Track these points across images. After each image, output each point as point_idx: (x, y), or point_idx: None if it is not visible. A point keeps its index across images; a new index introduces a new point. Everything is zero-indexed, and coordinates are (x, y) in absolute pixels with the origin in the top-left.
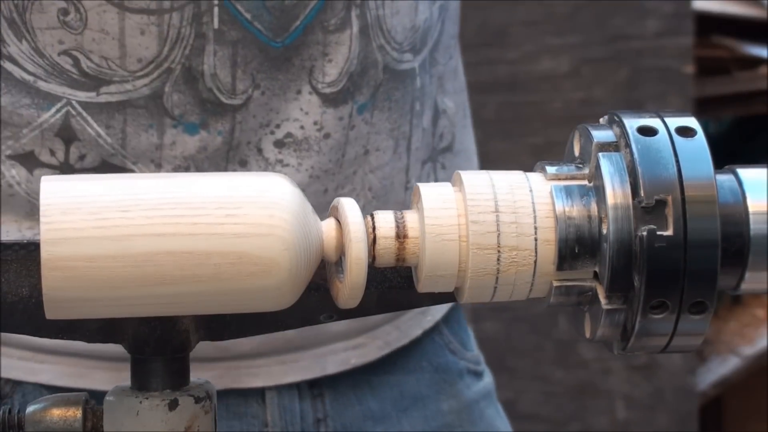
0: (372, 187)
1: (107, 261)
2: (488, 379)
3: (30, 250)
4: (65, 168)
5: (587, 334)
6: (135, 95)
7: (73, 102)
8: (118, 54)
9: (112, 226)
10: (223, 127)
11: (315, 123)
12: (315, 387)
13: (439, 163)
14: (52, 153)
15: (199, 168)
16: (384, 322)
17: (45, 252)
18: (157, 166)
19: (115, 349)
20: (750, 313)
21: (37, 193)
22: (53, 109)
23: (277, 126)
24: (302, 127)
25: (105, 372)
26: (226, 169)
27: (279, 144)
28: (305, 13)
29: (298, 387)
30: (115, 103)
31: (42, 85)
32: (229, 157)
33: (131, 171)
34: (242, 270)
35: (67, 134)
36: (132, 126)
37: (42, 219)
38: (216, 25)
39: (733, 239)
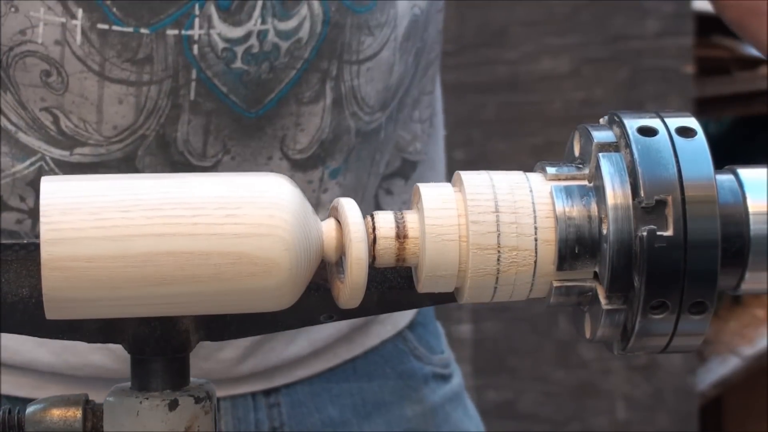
0: None
1: (107, 261)
2: (457, 380)
3: (30, 250)
4: (34, 213)
5: (587, 335)
6: (107, 158)
7: (47, 158)
8: (95, 119)
9: (112, 227)
10: None
11: None
12: (271, 395)
13: (382, 188)
14: (22, 199)
15: None
16: (338, 338)
17: (45, 252)
18: None
19: (75, 373)
20: (750, 313)
21: (6, 231)
22: (27, 162)
23: None
24: None
25: (58, 386)
26: None
27: None
28: (280, 87)
29: (252, 396)
30: (87, 164)
31: (21, 137)
32: None
33: None
34: (242, 270)
35: (38, 185)
36: None
37: (42, 219)
38: (192, 97)
39: (733, 239)
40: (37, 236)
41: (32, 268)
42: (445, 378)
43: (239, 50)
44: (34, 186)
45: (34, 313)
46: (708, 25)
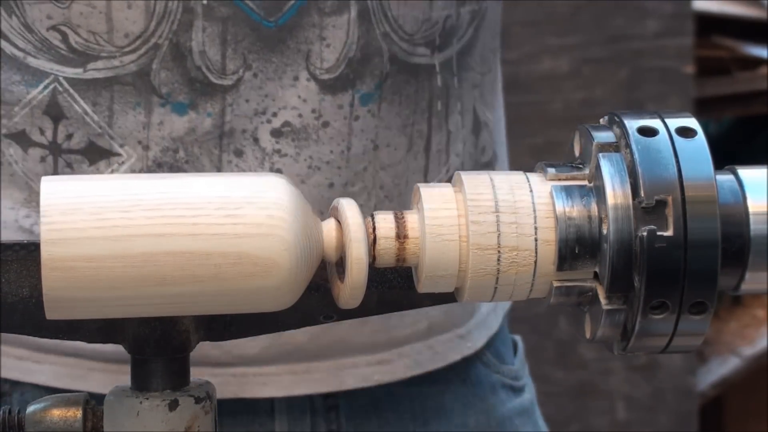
0: (384, 186)
1: (107, 261)
2: (528, 395)
3: (30, 250)
4: (54, 148)
5: (587, 335)
6: (122, 72)
7: (60, 78)
8: (105, 28)
9: (112, 227)
10: (212, 108)
11: (313, 111)
12: (330, 398)
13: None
14: (42, 132)
15: (189, 153)
16: (415, 338)
17: (45, 252)
18: (145, 148)
19: (114, 349)
20: (750, 313)
21: (33, 173)
22: (41, 86)
23: (274, 114)
24: (300, 116)
25: (103, 374)
26: (220, 158)
27: (276, 134)
28: None
29: (310, 398)
30: (102, 80)
31: (31, 61)
32: (223, 145)
33: (118, 155)
34: (242, 270)
35: (54, 112)
36: (119, 104)
37: (42, 219)
38: (205, 0)
39: (733, 239)
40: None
41: (32, 268)
42: (515, 390)
43: None
44: (50, 113)
45: (34, 313)
46: (708, 25)
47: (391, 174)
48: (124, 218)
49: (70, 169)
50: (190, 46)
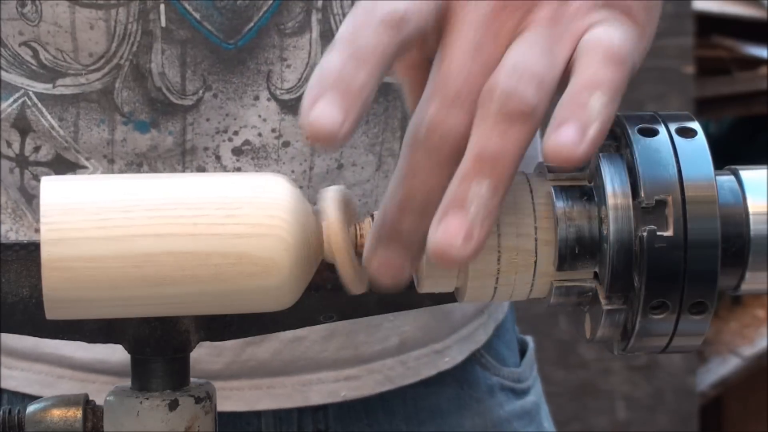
0: None
1: (107, 261)
2: (533, 397)
3: (30, 250)
4: (20, 160)
5: (587, 335)
6: (88, 89)
7: (30, 93)
8: (71, 47)
9: (112, 227)
10: (173, 127)
11: (273, 130)
12: None
13: None
14: (9, 144)
15: (153, 167)
16: (386, 354)
17: (45, 252)
18: (110, 161)
19: (83, 357)
20: (750, 313)
21: (5, 182)
22: (11, 99)
23: (235, 133)
24: (260, 134)
25: (71, 382)
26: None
27: (237, 152)
28: (259, 15)
29: None
30: (69, 96)
31: (3, 75)
32: (186, 161)
33: (84, 167)
34: (242, 270)
35: (22, 125)
36: (84, 120)
37: (42, 219)
38: (163, 23)
39: (733, 239)
40: (28, 189)
41: (32, 268)
42: (516, 393)
43: None
44: (18, 126)
45: (34, 313)
46: (708, 25)
47: (358, 192)
48: (124, 218)
49: (36, 181)
50: (150, 68)
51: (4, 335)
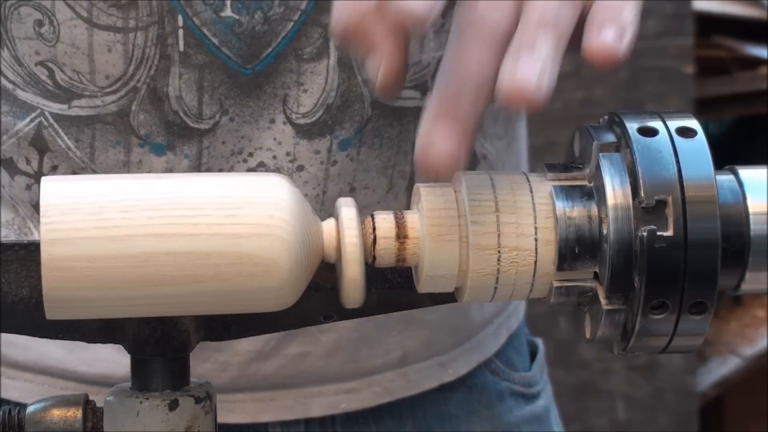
0: None
1: (107, 261)
2: (543, 401)
3: (30, 250)
4: (39, 177)
5: (587, 335)
6: (104, 111)
7: (46, 113)
8: (88, 69)
9: (112, 227)
10: (189, 150)
11: (287, 154)
12: None
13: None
14: (28, 162)
15: None
16: (387, 368)
17: (45, 252)
18: None
19: (86, 371)
20: (750, 313)
21: (19, 199)
22: (27, 119)
23: (250, 154)
24: (274, 157)
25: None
26: None
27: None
28: (277, 41)
29: None
30: (84, 117)
31: (20, 93)
32: None
33: None
34: (242, 270)
35: (39, 144)
36: (100, 141)
37: (42, 219)
38: (181, 47)
39: (733, 239)
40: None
41: (32, 268)
42: (526, 397)
43: None
44: (36, 145)
45: (34, 313)
46: (708, 25)
47: (367, 213)
48: (124, 218)
49: None
50: (167, 91)
51: (10, 349)
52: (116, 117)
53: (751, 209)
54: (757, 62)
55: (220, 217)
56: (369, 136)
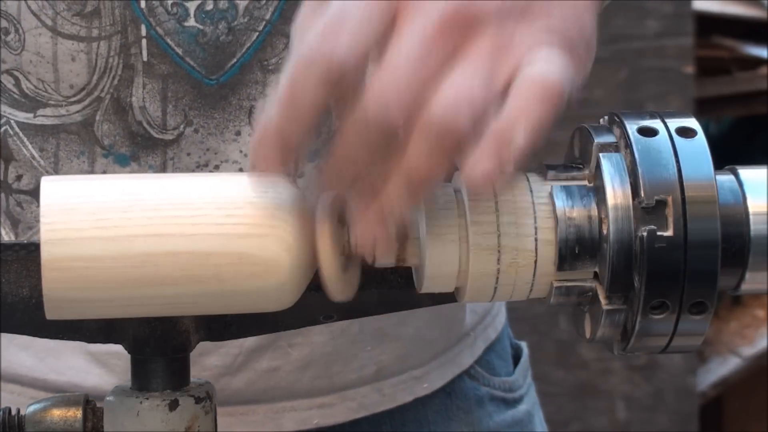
0: None
1: (107, 261)
2: (525, 406)
3: (30, 250)
4: (5, 186)
5: (587, 335)
6: (68, 120)
7: (12, 121)
8: (52, 78)
9: (112, 227)
10: (154, 161)
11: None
12: None
13: None
14: None
15: None
16: (361, 383)
17: (45, 252)
18: None
19: (58, 379)
20: (750, 313)
21: None
22: None
23: (216, 167)
24: (241, 170)
25: None
26: None
27: None
28: (242, 52)
29: None
30: (49, 127)
31: None
32: None
33: None
34: (242, 270)
35: (5, 153)
36: (64, 151)
37: (42, 219)
38: (145, 57)
39: (733, 239)
40: (13, 214)
41: (32, 268)
42: (507, 402)
43: (191, 6)
44: (1, 154)
45: (34, 313)
46: (708, 25)
47: None
48: (123, 218)
49: (20, 208)
50: (131, 101)
51: (13, 363)
52: (80, 127)
53: (751, 209)
54: (757, 62)
55: (220, 217)
56: None
